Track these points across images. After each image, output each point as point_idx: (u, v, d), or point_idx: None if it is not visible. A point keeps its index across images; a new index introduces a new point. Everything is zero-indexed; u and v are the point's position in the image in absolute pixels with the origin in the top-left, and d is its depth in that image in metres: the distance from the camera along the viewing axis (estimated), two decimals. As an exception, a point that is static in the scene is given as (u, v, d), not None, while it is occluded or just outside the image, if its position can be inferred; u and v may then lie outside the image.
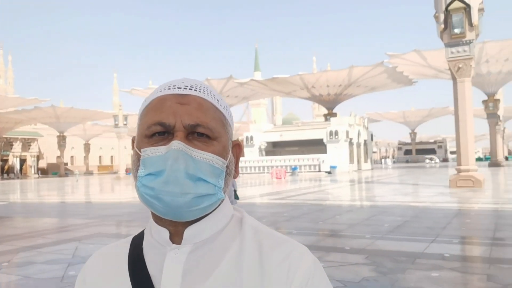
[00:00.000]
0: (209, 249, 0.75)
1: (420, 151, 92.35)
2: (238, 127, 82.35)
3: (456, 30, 18.62)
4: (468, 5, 18.45)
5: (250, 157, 50.61)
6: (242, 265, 0.73)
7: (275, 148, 54.25)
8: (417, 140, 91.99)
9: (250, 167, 48.31)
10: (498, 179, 25.10)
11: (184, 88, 0.76)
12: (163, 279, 0.73)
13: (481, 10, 18.90)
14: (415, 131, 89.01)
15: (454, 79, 19.35)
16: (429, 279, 5.03)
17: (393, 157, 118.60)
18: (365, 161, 53.98)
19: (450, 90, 19.93)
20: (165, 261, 0.74)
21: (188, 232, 0.75)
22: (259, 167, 47.71)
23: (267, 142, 54.02)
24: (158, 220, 0.76)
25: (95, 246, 7.56)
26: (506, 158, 75.50)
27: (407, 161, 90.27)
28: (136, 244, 0.80)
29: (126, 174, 48.81)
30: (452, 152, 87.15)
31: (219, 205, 0.78)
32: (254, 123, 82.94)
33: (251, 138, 53.44)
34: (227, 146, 0.78)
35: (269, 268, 0.72)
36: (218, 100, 0.78)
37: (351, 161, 47.80)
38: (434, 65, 44.78)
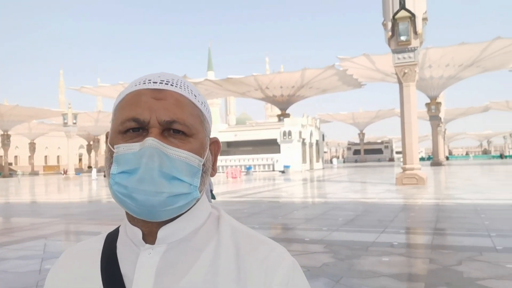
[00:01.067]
0: (184, 249, 0.73)
1: (368, 151, 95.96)
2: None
3: (402, 38, 19.91)
4: (413, 15, 19.79)
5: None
6: (218, 266, 0.71)
7: (229, 148, 54.64)
8: (365, 141, 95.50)
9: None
10: (439, 177, 26.91)
11: (160, 83, 0.74)
12: (135, 280, 0.71)
13: (424, 19, 20.30)
14: (363, 131, 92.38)
15: (400, 83, 20.66)
16: (380, 263, 5.70)
17: (342, 157, 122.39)
18: (317, 161, 55.57)
19: (396, 93, 21.24)
20: (138, 261, 0.73)
21: (162, 232, 0.73)
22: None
23: (222, 142, 54.22)
24: (131, 219, 0.75)
25: (63, 243, 7.73)
26: (447, 158, 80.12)
27: (355, 161, 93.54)
28: (110, 241, 0.79)
29: (63, 174, 47.50)
30: (397, 152, 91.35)
31: (195, 204, 0.76)
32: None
33: (206, 138, 53.54)
34: (205, 143, 0.76)
35: (246, 269, 0.70)
36: (195, 96, 0.76)
37: (304, 160, 49.09)
38: (382, 69, 46.93)
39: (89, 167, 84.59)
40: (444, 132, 73.76)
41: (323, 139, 61.18)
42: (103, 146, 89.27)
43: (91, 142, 79.29)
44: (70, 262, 0.80)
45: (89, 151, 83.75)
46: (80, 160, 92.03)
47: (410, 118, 20.32)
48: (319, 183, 25.78)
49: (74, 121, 48.16)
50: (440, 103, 52.24)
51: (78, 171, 65.91)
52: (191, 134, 0.72)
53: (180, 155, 0.70)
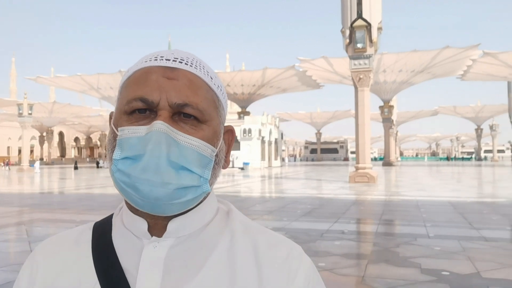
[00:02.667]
0: (194, 245, 0.67)
1: (325, 150, 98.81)
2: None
3: (359, 45, 21.29)
4: (369, 24, 21.20)
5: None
6: (235, 263, 0.66)
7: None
8: (322, 140, 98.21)
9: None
10: (389, 176, 28.72)
11: (173, 61, 0.66)
12: (140, 275, 0.64)
13: (379, 29, 21.78)
14: (320, 131, 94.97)
15: (355, 87, 22.07)
16: (333, 246, 6.71)
17: (299, 155, 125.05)
18: (275, 159, 56.95)
19: (352, 95, 22.65)
20: (143, 255, 0.66)
21: (173, 225, 0.67)
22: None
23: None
24: (134, 209, 0.67)
25: (44, 229, 8.24)
26: (398, 159, 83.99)
27: (312, 160, 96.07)
28: (102, 233, 0.72)
29: (4, 166, 46.40)
30: (352, 152, 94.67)
31: (205, 197, 0.69)
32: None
33: (165, 133, 53.62)
34: (219, 131, 0.68)
35: (267, 268, 0.66)
36: (211, 78, 0.69)
37: (263, 158, 50.28)
38: (339, 72, 48.80)
39: (41, 159, 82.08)
40: (396, 134, 77.23)
41: (282, 138, 62.67)
42: (56, 138, 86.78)
43: (44, 134, 76.94)
44: (52, 254, 0.71)
45: (41, 143, 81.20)
46: (31, 151, 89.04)
47: (363, 120, 21.76)
48: (278, 180, 26.89)
49: (30, 112, 46.95)
50: (392, 106, 54.90)
51: (31, 162, 63.99)
52: (204, 120, 0.65)
53: (191, 143, 0.63)
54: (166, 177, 0.60)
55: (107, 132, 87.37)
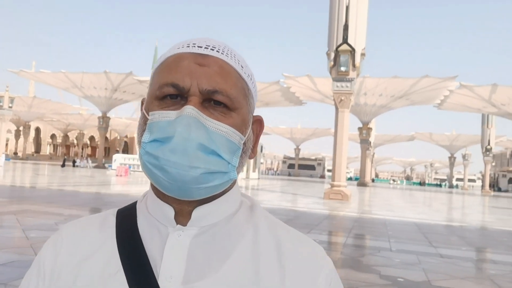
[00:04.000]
0: (218, 235, 0.68)
1: (302, 166, 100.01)
2: (128, 124, 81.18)
3: (342, 68, 22.31)
4: (353, 49, 22.27)
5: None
6: (259, 258, 0.66)
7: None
8: (300, 156, 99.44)
9: (139, 165, 48.66)
10: (362, 196, 29.70)
11: (205, 48, 0.67)
12: (164, 263, 0.65)
13: (363, 54, 22.87)
14: (299, 147, 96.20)
15: (336, 108, 23.02)
16: (304, 252, 7.38)
17: (277, 169, 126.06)
18: (253, 171, 57.58)
19: (332, 115, 23.60)
20: (167, 243, 0.66)
21: (197, 213, 0.67)
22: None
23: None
24: (161, 195, 0.68)
25: (35, 219, 8.66)
26: (373, 180, 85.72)
27: (289, 174, 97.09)
28: (126, 219, 0.72)
29: None
30: (329, 170, 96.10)
31: (231, 186, 0.70)
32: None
33: (146, 137, 53.66)
34: (247, 120, 0.69)
35: (290, 266, 0.66)
36: (242, 67, 0.69)
37: (241, 169, 50.78)
38: (322, 91, 50.09)
39: (15, 153, 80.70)
40: (373, 155, 79.03)
41: (261, 151, 63.43)
42: (33, 134, 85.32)
43: (21, 128, 75.80)
44: (77, 238, 0.71)
45: (17, 137, 79.91)
46: (6, 145, 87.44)
47: (342, 140, 22.69)
48: (255, 191, 27.52)
49: (10, 105, 46.63)
50: (371, 128, 56.44)
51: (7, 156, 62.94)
52: (234, 108, 0.65)
53: (220, 129, 0.63)
54: (194, 160, 0.60)
55: (85, 131, 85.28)
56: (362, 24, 22.94)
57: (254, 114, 0.74)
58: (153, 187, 0.70)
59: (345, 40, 22.12)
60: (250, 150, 0.72)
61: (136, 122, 79.76)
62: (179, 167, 0.60)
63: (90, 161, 58.41)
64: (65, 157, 58.94)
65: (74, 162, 53.54)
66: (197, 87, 0.64)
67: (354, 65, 22.25)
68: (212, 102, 0.65)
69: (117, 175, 34.77)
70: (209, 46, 0.68)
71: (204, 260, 0.66)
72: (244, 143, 0.68)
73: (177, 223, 0.68)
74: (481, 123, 60.63)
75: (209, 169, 0.62)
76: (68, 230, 0.74)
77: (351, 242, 9.12)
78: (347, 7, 22.46)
